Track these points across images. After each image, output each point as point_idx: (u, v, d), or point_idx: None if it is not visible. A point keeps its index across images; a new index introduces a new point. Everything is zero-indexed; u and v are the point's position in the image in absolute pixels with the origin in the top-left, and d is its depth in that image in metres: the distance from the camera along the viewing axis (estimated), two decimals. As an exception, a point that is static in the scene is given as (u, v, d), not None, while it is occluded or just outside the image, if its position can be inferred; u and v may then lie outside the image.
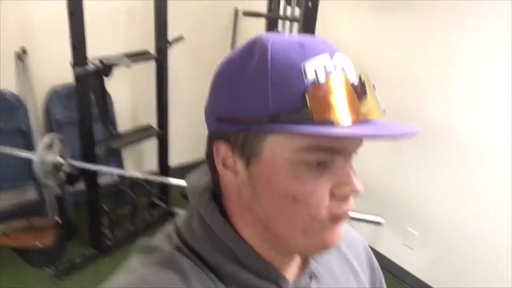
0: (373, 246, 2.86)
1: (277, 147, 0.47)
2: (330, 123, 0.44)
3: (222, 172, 0.52)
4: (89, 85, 2.31)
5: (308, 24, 2.03)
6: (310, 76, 0.46)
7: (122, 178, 2.75)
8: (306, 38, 0.50)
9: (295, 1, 2.21)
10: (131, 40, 2.89)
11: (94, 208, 2.53)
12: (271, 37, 0.49)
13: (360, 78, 0.48)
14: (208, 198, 0.54)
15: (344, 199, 0.48)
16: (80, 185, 2.51)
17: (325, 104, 0.45)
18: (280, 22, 2.36)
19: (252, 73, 0.47)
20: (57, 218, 2.70)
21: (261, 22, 2.44)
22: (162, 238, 0.56)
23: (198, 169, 0.60)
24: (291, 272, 0.57)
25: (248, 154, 0.49)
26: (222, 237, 0.52)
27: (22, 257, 2.51)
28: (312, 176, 0.47)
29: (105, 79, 2.35)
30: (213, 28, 3.34)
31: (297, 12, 2.15)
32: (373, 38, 2.59)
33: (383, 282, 0.73)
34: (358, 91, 0.46)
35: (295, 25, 2.18)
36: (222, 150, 0.50)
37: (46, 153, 2.20)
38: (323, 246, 0.51)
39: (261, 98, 0.46)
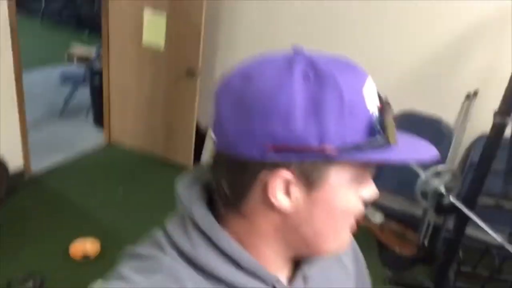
0: None
1: (343, 171, 0.51)
2: (393, 144, 0.50)
3: (275, 201, 0.52)
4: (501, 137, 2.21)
5: None
6: (369, 100, 0.50)
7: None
8: (346, 59, 0.53)
9: None
10: None
11: (451, 250, 2.52)
12: (320, 58, 0.51)
13: (383, 98, 0.52)
14: (205, 208, 0.56)
15: (364, 202, 0.55)
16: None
17: (392, 128, 0.50)
18: None
19: (327, 101, 0.48)
20: (424, 240, 3.00)
21: None
22: (153, 247, 0.56)
23: (189, 174, 0.61)
24: (284, 275, 0.60)
25: (313, 181, 0.51)
26: (221, 245, 0.54)
27: (379, 253, 2.93)
28: (356, 189, 0.54)
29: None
30: None
31: None
32: None
33: (365, 268, 0.76)
34: (392, 112, 0.52)
35: None
36: (282, 179, 0.51)
37: (433, 177, 2.30)
38: (343, 247, 0.58)
39: (339, 127, 0.48)
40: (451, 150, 2.97)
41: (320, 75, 0.49)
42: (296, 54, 0.52)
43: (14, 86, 3.01)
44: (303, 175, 0.50)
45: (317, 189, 0.51)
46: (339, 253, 0.68)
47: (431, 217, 2.95)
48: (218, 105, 0.53)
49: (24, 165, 3.22)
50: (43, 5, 7.89)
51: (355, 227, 0.58)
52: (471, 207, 2.26)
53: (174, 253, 0.54)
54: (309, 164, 0.50)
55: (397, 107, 3.05)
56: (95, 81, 4.17)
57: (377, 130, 0.50)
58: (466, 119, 2.94)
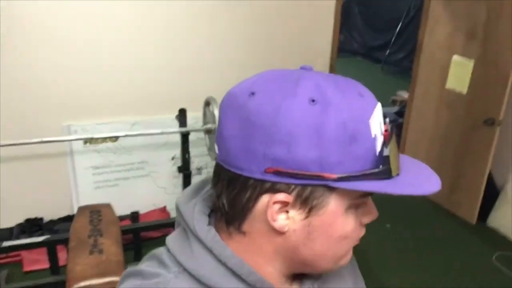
0: None
1: (343, 198, 0.51)
2: (396, 175, 0.52)
3: (274, 223, 0.51)
4: None
5: None
6: (374, 130, 0.49)
7: None
8: (357, 85, 0.52)
9: None
10: None
11: None
12: (329, 82, 0.50)
13: (388, 127, 0.51)
14: (205, 222, 0.56)
15: (363, 226, 0.56)
16: None
17: (394, 159, 0.51)
18: None
19: (330, 128, 0.47)
20: None
21: None
22: (157, 265, 0.56)
23: (185, 192, 0.61)
24: (287, 284, 0.60)
25: (312, 206, 0.51)
26: (224, 259, 0.53)
27: None
28: (355, 214, 0.54)
29: None
30: None
31: None
32: None
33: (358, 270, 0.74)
34: (397, 141, 0.52)
35: None
36: (281, 202, 0.50)
37: None
38: (343, 265, 0.58)
39: (340, 155, 0.47)
40: None
41: (325, 101, 0.47)
42: (303, 75, 0.51)
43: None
44: (303, 199, 0.50)
45: (316, 214, 0.51)
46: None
47: None
48: (222, 117, 0.53)
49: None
50: (386, 54, 8.75)
51: (356, 243, 0.58)
52: None
53: (177, 270, 0.54)
54: (310, 190, 0.49)
55: None
56: (397, 122, 4.41)
57: (380, 161, 0.49)
58: None
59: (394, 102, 5.99)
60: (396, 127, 4.46)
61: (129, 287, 0.54)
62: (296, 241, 0.53)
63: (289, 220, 0.51)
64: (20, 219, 2.89)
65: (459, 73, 3.40)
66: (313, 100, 0.47)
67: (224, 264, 0.53)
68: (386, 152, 0.50)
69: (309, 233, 0.52)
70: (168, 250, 0.56)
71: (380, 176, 0.50)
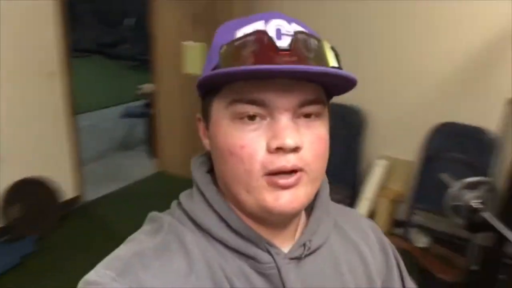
0: None
1: (218, 106, 0.53)
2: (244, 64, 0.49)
3: (203, 142, 0.58)
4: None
5: None
6: (241, 34, 0.52)
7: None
8: (258, 14, 0.55)
9: None
10: None
11: (490, 274, 2.22)
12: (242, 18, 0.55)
13: (295, 37, 0.50)
14: (204, 170, 0.61)
15: (277, 153, 0.50)
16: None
17: (232, 55, 0.50)
18: None
19: (211, 45, 0.56)
20: (473, 265, 2.49)
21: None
22: (166, 212, 0.61)
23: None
24: (285, 244, 0.58)
25: (206, 119, 0.56)
26: (213, 205, 0.56)
27: (420, 279, 2.59)
28: (246, 130, 0.51)
29: None
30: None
31: None
32: None
33: (402, 264, 0.71)
34: (276, 45, 0.49)
35: None
36: (199, 120, 0.59)
37: (464, 190, 2.01)
38: (265, 207, 0.51)
39: (206, 64, 0.55)
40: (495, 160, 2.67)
41: (220, 28, 0.57)
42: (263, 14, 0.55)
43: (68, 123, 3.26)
44: (203, 113, 0.57)
45: (210, 127, 0.55)
46: (354, 238, 0.66)
47: (479, 238, 2.47)
48: None
49: (78, 193, 3.45)
50: (122, 50, 8.66)
51: (275, 183, 0.51)
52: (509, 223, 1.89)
53: (180, 214, 0.58)
54: (203, 102, 0.56)
55: (436, 118, 2.83)
56: (149, 114, 4.44)
57: (219, 59, 0.51)
58: (509, 126, 2.63)
59: (142, 96, 5.92)
60: (149, 118, 4.46)
61: (140, 232, 0.58)
62: (213, 159, 0.57)
63: (207, 139, 0.58)
64: None
65: (193, 57, 3.60)
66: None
67: (214, 210, 0.56)
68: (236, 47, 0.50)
69: (212, 148, 0.56)
70: (179, 198, 0.61)
71: (215, 69, 0.51)
